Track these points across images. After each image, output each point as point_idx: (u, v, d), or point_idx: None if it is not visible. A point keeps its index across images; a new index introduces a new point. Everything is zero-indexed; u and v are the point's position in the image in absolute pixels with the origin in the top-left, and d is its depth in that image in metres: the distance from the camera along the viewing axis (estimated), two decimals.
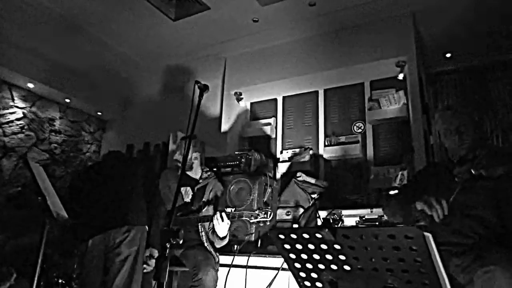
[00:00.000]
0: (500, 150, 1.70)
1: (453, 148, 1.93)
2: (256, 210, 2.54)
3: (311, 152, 3.96)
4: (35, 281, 2.06)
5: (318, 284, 1.23)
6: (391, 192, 2.56)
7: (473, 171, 1.70)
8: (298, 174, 3.48)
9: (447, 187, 1.77)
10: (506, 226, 1.68)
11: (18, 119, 4.85)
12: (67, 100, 5.35)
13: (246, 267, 2.62)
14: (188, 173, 2.99)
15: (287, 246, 1.21)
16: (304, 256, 1.20)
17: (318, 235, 1.12)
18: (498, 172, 1.65)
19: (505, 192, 1.71)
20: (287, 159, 3.99)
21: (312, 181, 3.43)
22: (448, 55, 4.37)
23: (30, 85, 4.86)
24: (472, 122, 1.92)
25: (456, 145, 1.90)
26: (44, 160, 5.07)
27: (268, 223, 2.71)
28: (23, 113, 4.92)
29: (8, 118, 4.73)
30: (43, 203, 2.19)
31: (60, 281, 3.17)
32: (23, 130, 4.89)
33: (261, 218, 2.48)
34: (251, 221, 2.55)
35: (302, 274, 1.25)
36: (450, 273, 1.64)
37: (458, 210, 1.74)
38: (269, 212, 2.50)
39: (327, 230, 1.10)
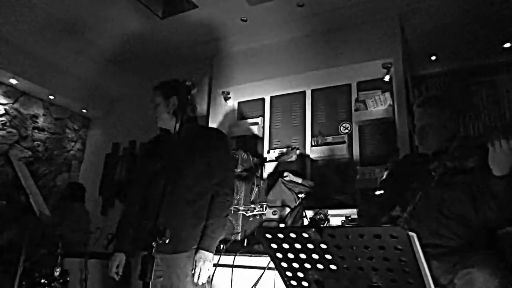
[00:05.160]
0: (472, 141, 1.65)
1: (430, 144, 1.86)
2: (251, 205, 2.56)
3: (298, 152, 3.98)
4: (17, 281, 2.02)
5: (304, 283, 1.24)
6: (377, 192, 2.57)
7: (448, 164, 1.67)
8: (285, 173, 3.49)
9: (423, 180, 1.75)
10: (484, 221, 1.66)
11: None
12: (51, 97, 5.25)
13: (232, 266, 2.61)
14: None
15: (273, 246, 1.21)
16: (290, 256, 1.20)
17: (305, 235, 1.13)
18: (471, 163, 1.61)
19: (478, 185, 1.66)
20: (274, 158, 4.00)
21: (299, 180, 3.45)
22: (433, 57, 4.44)
23: (13, 81, 4.76)
24: (450, 120, 1.87)
25: (433, 141, 1.84)
26: (26, 158, 4.97)
27: (258, 218, 2.74)
28: (5, 109, 4.81)
29: None
30: (25, 202, 2.15)
31: (42, 280, 3.11)
32: (5, 127, 4.78)
33: (257, 211, 2.50)
34: (247, 214, 2.56)
35: (289, 274, 1.25)
36: (432, 273, 1.64)
37: (435, 208, 1.73)
38: (264, 205, 2.52)
39: (313, 229, 1.10)
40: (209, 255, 1.94)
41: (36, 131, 5.17)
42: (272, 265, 1.36)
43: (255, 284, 2.43)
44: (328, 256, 1.14)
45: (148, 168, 2.13)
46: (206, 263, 1.92)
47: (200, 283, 1.87)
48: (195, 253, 1.93)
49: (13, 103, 4.90)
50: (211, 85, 4.61)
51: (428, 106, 1.92)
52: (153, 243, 1.40)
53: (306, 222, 3.06)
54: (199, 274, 1.87)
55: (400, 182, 1.93)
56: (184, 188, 2.00)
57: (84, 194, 4.29)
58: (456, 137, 1.79)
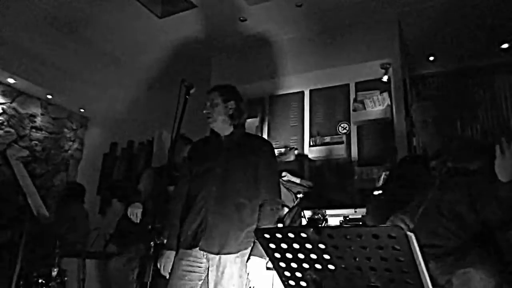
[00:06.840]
0: (474, 143, 1.61)
1: (429, 140, 1.82)
2: None
3: (296, 152, 3.98)
4: (14, 280, 2.02)
5: (303, 283, 1.24)
6: (375, 193, 2.57)
7: (449, 164, 1.65)
8: (283, 173, 3.49)
9: (424, 182, 1.74)
10: (483, 223, 1.64)
11: None
12: (49, 96, 5.24)
13: None
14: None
15: (272, 246, 1.21)
16: (288, 255, 1.20)
17: (303, 235, 1.13)
18: (474, 165, 1.60)
19: (478, 187, 1.63)
20: None
21: (297, 180, 3.45)
22: (431, 58, 4.45)
23: (11, 80, 4.75)
24: (449, 115, 1.83)
25: (433, 137, 1.79)
26: (24, 157, 4.96)
27: None
28: (3, 108, 4.80)
29: None
30: (23, 201, 2.15)
31: (40, 280, 3.11)
32: (3, 126, 4.77)
33: None
34: None
35: (287, 273, 1.25)
36: (430, 273, 1.64)
37: (434, 208, 1.71)
38: None
39: (312, 229, 1.10)
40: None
41: (34, 130, 5.16)
42: (270, 265, 1.36)
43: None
44: (326, 256, 1.14)
45: (196, 168, 2.13)
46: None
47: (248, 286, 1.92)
48: (247, 260, 1.95)
49: (11, 102, 4.89)
50: (209, 85, 4.60)
51: (426, 101, 1.89)
52: (151, 243, 1.40)
53: (304, 222, 3.06)
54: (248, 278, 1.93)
55: (400, 184, 1.92)
56: (234, 192, 2.00)
57: (84, 194, 4.28)
58: (455, 136, 1.77)
